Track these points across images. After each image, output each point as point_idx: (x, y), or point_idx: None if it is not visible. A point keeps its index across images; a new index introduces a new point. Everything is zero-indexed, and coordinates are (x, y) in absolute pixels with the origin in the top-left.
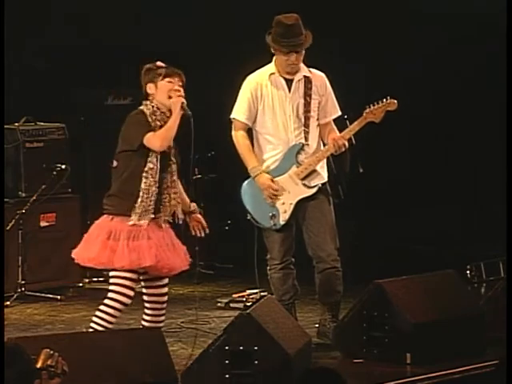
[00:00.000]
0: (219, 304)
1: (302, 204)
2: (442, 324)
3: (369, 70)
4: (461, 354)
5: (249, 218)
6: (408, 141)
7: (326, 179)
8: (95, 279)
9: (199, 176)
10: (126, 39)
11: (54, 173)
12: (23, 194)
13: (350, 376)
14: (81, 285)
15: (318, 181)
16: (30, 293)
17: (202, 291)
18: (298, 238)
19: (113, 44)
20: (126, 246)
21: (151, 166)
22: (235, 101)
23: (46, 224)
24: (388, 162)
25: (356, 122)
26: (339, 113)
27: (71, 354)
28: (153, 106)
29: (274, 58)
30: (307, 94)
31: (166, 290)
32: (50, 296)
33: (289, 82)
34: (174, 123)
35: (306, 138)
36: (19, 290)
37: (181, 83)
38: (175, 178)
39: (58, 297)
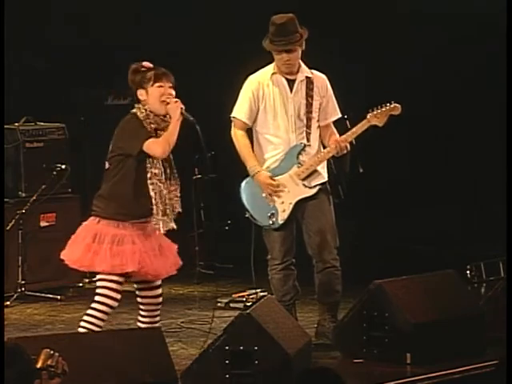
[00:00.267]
0: (219, 304)
1: (301, 203)
2: (442, 324)
3: (369, 70)
4: (461, 354)
5: (247, 215)
6: (408, 141)
7: (326, 179)
8: (95, 279)
9: (199, 176)
10: (126, 39)
11: (54, 173)
12: (23, 194)
13: (350, 376)
14: (81, 285)
15: (318, 181)
16: (30, 293)
17: (202, 291)
18: (298, 239)
19: (113, 44)
20: (109, 250)
21: (156, 171)
22: (235, 101)
23: (46, 224)
24: (388, 162)
25: (359, 125)
26: (339, 115)
27: (71, 354)
28: (145, 110)
29: None
30: (309, 95)
31: (159, 291)
32: (50, 296)
33: (290, 83)
34: (174, 130)
35: (308, 139)
36: (19, 290)
37: (171, 84)
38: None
39: (58, 297)
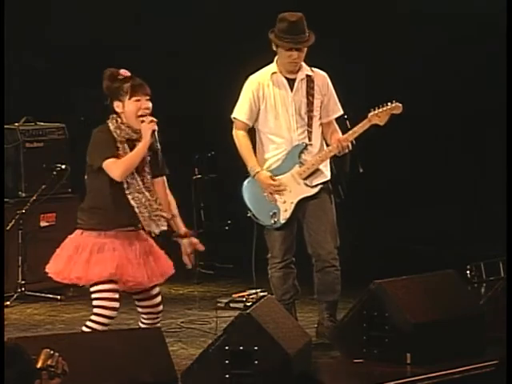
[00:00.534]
0: (219, 304)
1: (303, 202)
2: (442, 324)
3: (369, 70)
4: (461, 354)
5: (249, 215)
6: (408, 141)
7: (328, 178)
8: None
9: (199, 176)
10: (126, 39)
11: (54, 173)
12: (23, 194)
13: (350, 376)
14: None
15: (319, 180)
16: (30, 293)
17: (202, 291)
18: (298, 238)
19: (113, 44)
20: (88, 259)
21: (132, 181)
22: (235, 101)
23: (46, 224)
24: (388, 162)
25: (360, 124)
26: (341, 112)
27: (71, 354)
28: (117, 121)
29: (276, 58)
30: (309, 94)
31: (158, 299)
32: (50, 296)
33: (291, 82)
34: (140, 152)
35: (310, 138)
36: (19, 290)
37: (148, 97)
38: (149, 184)
39: (58, 297)
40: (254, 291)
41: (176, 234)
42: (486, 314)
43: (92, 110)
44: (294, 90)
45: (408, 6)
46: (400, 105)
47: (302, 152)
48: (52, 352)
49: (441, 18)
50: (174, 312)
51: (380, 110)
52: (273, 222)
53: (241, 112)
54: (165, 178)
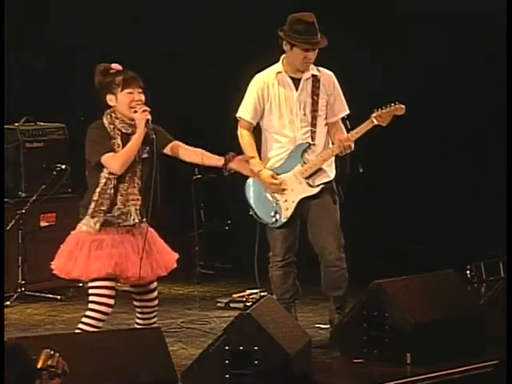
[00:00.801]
0: (219, 304)
1: (306, 202)
2: (442, 324)
3: (368, 70)
4: (461, 354)
5: (251, 213)
6: (408, 141)
7: (331, 178)
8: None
9: (199, 176)
10: (126, 39)
11: (54, 173)
12: (23, 194)
13: (350, 376)
14: (81, 285)
15: (322, 180)
16: (30, 293)
17: (202, 291)
18: (301, 239)
19: (113, 44)
20: (87, 255)
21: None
22: (236, 100)
23: (46, 224)
24: (388, 162)
25: (363, 125)
26: (347, 111)
27: (71, 354)
28: (111, 116)
29: (283, 57)
30: (315, 93)
31: (155, 294)
32: (50, 296)
33: (296, 81)
34: (135, 144)
35: (313, 138)
36: (19, 290)
37: (140, 90)
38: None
39: (58, 297)
40: (254, 291)
41: (223, 163)
42: (486, 314)
43: (92, 110)
44: (299, 89)
45: (406, 7)
46: (403, 106)
47: (305, 151)
48: (52, 352)
49: (439, 19)
50: (174, 312)
51: (383, 110)
52: (274, 220)
53: (245, 111)
54: (177, 141)
